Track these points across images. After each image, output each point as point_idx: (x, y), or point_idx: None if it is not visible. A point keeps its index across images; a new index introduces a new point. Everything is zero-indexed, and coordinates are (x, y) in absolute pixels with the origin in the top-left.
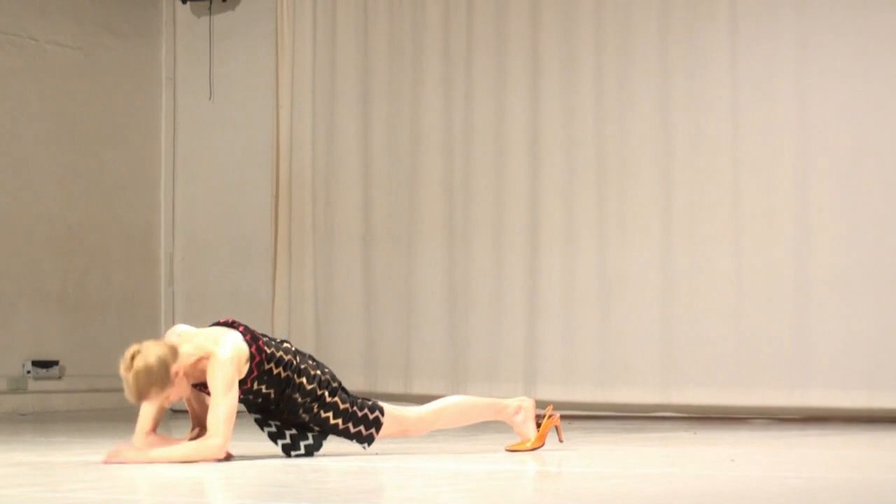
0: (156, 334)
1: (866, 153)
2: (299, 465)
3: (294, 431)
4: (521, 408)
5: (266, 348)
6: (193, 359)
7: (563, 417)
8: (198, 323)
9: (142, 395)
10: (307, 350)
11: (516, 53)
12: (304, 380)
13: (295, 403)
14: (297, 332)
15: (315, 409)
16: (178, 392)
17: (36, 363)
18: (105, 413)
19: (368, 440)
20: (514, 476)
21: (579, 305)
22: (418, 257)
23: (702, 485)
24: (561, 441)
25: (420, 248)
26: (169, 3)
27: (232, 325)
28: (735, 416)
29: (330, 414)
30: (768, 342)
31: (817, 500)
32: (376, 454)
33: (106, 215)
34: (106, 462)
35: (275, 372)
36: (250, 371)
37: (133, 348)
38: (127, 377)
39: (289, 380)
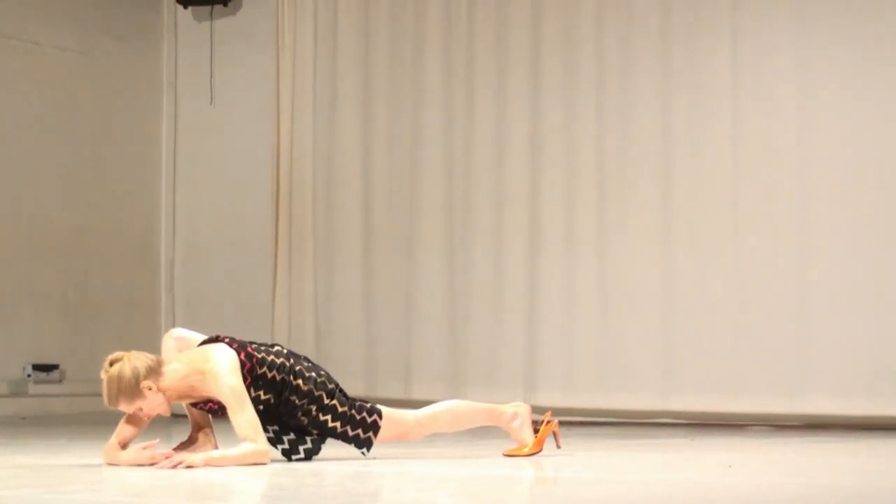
0: (155, 338)
1: (867, 161)
2: (297, 468)
3: (292, 436)
4: (517, 414)
5: (256, 353)
6: (180, 374)
7: (562, 423)
8: (197, 327)
9: (111, 401)
10: (307, 354)
11: (517, 57)
12: (299, 381)
13: (293, 406)
14: (297, 336)
15: (313, 412)
16: (152, 407)
17: (36, 367)
18: (105, 416)
19: (367, 444)
20: (511, 481)
21: (579, 311)
22: (418, 262)
23: (699, 490)
24: (559, 447)
25: (420, 252)
26: (170, 8)
27: (216, 339)
28: (734, 422)
29: (328, 417)
30: (768, 349)
31: None
32: (374, 458)
33: (107, 219)
34: (159, 467)
35: (269, 376)
36: (243, 378)
37: (116, 354)
38: (102, 380)
39: (284, 382)
